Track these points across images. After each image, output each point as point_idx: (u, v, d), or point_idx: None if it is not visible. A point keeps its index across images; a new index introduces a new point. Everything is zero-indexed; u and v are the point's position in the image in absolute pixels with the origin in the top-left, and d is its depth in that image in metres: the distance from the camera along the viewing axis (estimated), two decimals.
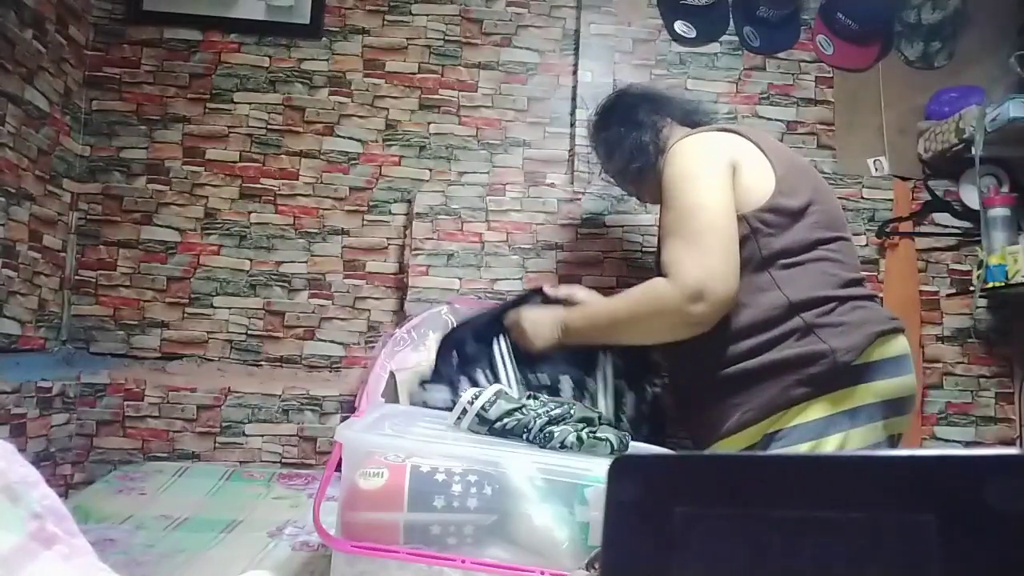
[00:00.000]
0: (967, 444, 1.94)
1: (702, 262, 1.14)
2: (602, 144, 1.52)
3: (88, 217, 1.93)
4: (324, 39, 2.02)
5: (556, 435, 1.00)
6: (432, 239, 1.88)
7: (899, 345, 1.20)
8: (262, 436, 1.90)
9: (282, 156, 1.99)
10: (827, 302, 1.17)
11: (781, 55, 2.07)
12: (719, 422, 1.21)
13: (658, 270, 1.32)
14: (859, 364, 1.14)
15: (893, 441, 1.20)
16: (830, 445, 1.11)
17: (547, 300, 1.46)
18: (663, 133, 1.40)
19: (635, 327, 1.23)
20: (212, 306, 1.94)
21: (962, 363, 1.97)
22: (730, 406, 1.19)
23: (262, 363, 1.93)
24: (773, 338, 1.16)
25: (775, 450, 1.13)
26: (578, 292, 1.47)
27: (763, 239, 1.19)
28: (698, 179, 1.21)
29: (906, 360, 1.20)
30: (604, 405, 1.35)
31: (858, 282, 1.24)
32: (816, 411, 1.14)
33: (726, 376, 1.19)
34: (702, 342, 1.19)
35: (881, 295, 1.94)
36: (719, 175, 1.20)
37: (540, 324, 1.36)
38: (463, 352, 1.41)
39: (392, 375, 1.66)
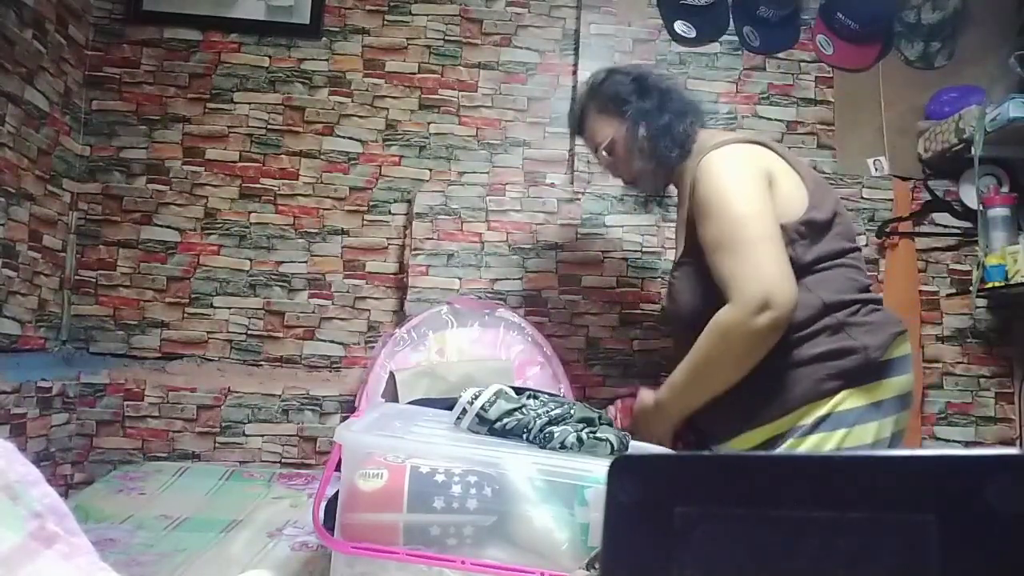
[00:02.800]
0: (967, 444, 1.94)
1: (760, 271, 1.16)
2: (639, 116, 1.40)
3: (88, 217, 1.93)
4: (324, 39, 2.02)
5: (556, 435, 0.99)
6: (432, 239, 1.88)
7: (908, 345, 1.29)
8: (262, 436, 1.90)
9: (282, 156, 1.99)
10: (853, 304, 1.25)
11: (781, 55, 2.07)
12: (748, 413, 1.25)
13: (671, 293, 1.39)
14: (883, 360, 1.22)
15: (900, 435, 1.26)
16: (868, 434, 1.19)
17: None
18: (694, 137, 1.39)
19: (718, 366, 1.22)
20: (212, 306, 1.94)
21: (962, 363, 1.97)
22: (760, 398, 1.23)
23: (262, 363, 1.93)
24: (806, 335, 1.22)
25: (810, 438, 1.19)
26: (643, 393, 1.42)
27: (799, 248, 1.24)
28: (740, 190, 1.23)
29: (910, 359, 1.29)
30: None
31: (869, 288, 1.32)
32: (849, 402, 1.21)
33: (758, 369, 1.21)
34: None
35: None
36: (759, 186, 1.24)
37: (642, 414, 1.37)
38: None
39: (392, 375, 1.67)
